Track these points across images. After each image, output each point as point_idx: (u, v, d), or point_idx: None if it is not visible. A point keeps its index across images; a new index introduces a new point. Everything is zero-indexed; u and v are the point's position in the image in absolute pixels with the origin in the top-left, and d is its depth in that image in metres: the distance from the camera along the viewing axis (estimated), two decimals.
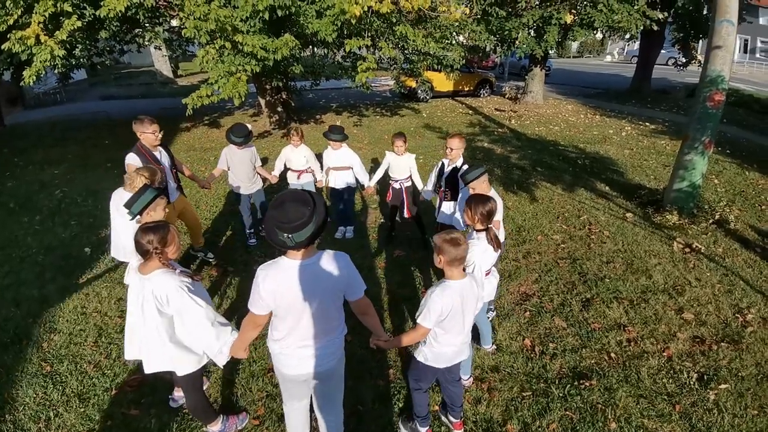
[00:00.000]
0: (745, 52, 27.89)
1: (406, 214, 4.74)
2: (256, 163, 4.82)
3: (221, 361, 2.31)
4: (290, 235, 1.81)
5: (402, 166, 4.63)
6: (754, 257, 4.64)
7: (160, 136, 3.86)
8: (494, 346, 3.39)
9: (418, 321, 2.24)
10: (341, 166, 4.81)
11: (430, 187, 4.33)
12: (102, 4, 5.97)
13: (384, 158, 4.77)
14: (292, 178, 5.05)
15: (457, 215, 3.86)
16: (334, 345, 2.13)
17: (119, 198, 3.04)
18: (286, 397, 2.36)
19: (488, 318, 3.51)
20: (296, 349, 2.06)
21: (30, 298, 3.99)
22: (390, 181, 4.77)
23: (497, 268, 3.28)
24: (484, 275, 2.72)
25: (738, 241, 4.96)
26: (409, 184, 4.70)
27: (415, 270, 4.48)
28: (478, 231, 2.69)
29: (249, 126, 4.62)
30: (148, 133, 3.76)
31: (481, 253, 2.65)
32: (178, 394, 2.81)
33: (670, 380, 3.04)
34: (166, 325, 2.24)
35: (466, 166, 3.84)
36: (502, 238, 3.30)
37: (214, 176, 4.76)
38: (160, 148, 3.96)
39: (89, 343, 3.42)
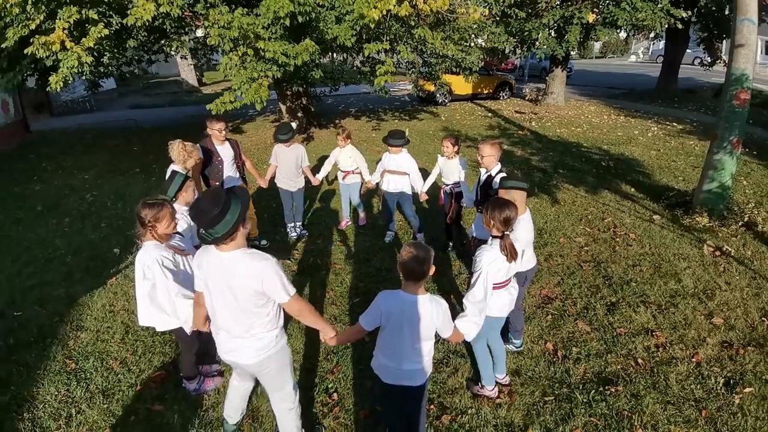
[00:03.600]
0: (767, 53, 26.83)
1: (447, 220, 4.62)
2: (303, 163, 5.05)
3: (188, 330, 2.66)
4: (206, 232, 1.94)
5: (452, 170, 4.44)
6: None
7: (224, 133, 4.55)
8: (495, 390, 2.92)
9: (359, 318, 2.21)
10: (397, 171, 4.70)
11: (472, 195, 4.10)
12: (129, 12, 6.19)
13: (435, 164, 4.67)
14: (339, 178, 5.26)
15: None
16: (262, 340, 2.14)
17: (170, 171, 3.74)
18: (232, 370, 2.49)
19: (506, 347, 3.15)
20: (224, 337, 2.19)
21: (56, 298, 4.12)
22: (442, 186, 4.65)
23: (524, 287, 3.06)
24: (490, 287, 2.49)
25: (766, 244, 4.75)
26: (460, 190, 4.42)
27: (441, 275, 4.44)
28: (493, 237, 2.54)
29: (293, 124, 4.95)
30: (214, 130, 4.47)
31: (489, 261, 2.46)
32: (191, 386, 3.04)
33: (698, 386, 2.92)
34: (149, 288, 2.55)
35: (503, 175, 3.51)
36: (530, 264, 3.03)
37: (270, 173, 5.09)
38: (227, 143, 4.60)
39: (116, 340, 3.52)
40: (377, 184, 5.03)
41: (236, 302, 2.04)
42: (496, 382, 2.96)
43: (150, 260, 2.51)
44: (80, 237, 5.48)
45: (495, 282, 2.56)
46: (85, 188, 7.39)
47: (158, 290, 2.57)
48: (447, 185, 4.55)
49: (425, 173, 4.88)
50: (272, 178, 5.13)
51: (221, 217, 1.93)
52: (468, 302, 2.46)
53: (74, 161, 9.12)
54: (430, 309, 2.11)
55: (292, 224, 5.29)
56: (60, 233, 5.61)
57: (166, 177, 3.60)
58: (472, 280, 2.50)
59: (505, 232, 2.49)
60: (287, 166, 4.96)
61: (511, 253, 2.47)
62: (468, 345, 3.23)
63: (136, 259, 2.58)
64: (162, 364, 3.26)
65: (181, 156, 3.76)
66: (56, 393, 3.00)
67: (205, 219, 1.93)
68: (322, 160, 5.76)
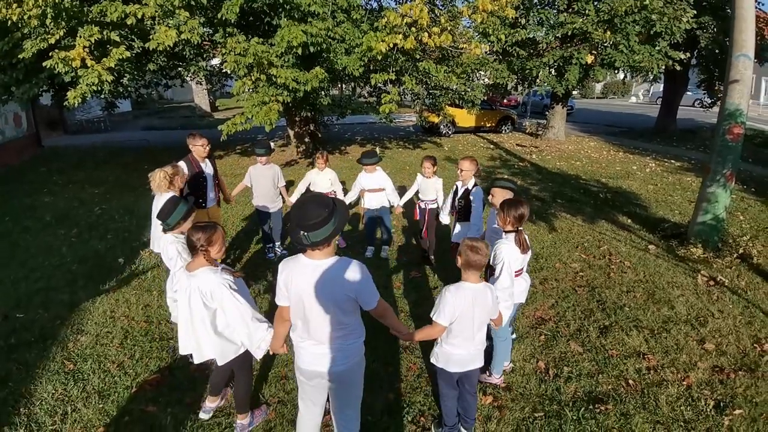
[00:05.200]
0: None
1: (423, 234, 4.93)
2: (279, 183, 5.11)
3: (258, 356, 2.49)
4: (306, 233, 1.92)
5: (429, 188, 4.88)
6: None
7: (208, 148, 4.44)
8: (501, 379, 3.21)
9: (433, 318, 2.34)
10: (375, 188, 5.02)
11: (447, 209, 4.50)
12: (151, 37, 6.56)
13: (415, 181, 5.03)
14: None
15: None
16: (348, 349, 2.15)
17: (157, 201, 3.54)
18: (300, 397, 2.38)
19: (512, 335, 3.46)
20: (310, 346, 2.14)
21: (60, 303, 4.21)
22: (417, 201, 5.05)
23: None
24: (513, 274, 2.81)
25: (760, 275, 4.82)
26: (434, 206, 4.89)
27: (432, 291, 4.52)
28: (507, 232, 2.86)
29: (272, 144, 5.03)
30: (198, 146, 4.37)
31: (509, 252, 2.79)
32: (210, 405, 2.86)
33: (688, 408, 2.93)
34: (211, 317, 2.43)
35: (478, 187, 4.07)
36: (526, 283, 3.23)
37: (238, 190, 5.14)
38: (207, 160, 4.50)
39: (115, 345, 3.58)
40: (357, 202, 5.22)
41: (331, 309, 2.03)
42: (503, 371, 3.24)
43: (213, 286, 2.35)
44: (86, 247, 5.61)
45: (514, 270, 2.88)
46: (95, 202, 7.59)
47: (220, 317, 2.44)
48: (423, 201, 4.93)
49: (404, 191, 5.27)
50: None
51: (326, 222, 1.93)
52: (498, 290, 2.69)
53: (85, 176, 9.39)
54: (490, 294, 2.37)
55: (270, 244, 5.28)
56: (67, 243, 5.75)
57: (155, 202, 3.48)
58: (497, 271, 2.76)
59: (519, 228, 2.83)
60: (263, 185, 4.98)
61: (523, 246, 2.84)
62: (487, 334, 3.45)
63: (189, 289, 2.39)
64: (158, 368, 3.31)
65: (164, 184, 3.48)
66: (53, 391, 3.05)
67: (310, 221, 1.91)
68: None
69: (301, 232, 1.92)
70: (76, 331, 3.77)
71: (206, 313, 2.40)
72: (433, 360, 2.54)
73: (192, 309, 2.41)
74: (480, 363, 2.52)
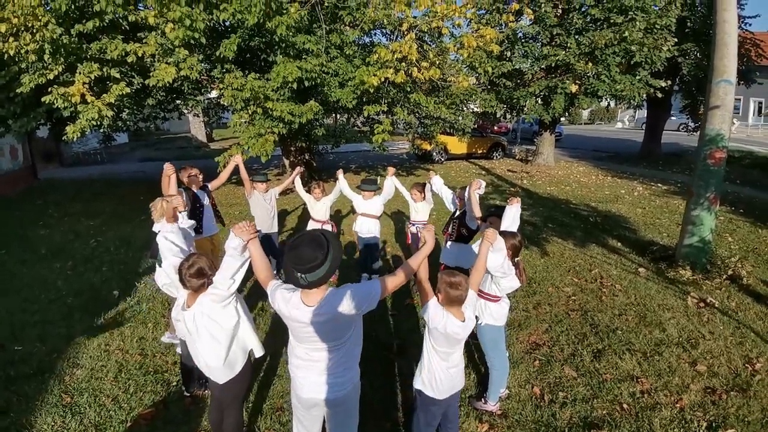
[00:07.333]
0: (760, 114, 27.93)
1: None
2: (276, 194, 5.42)
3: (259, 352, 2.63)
4: (304, 275, 1.94)
5: (418, 209, 5.22)
6: (766, 310, 4.59)
7: (200, 178, 4.58)
8: (497, 406, 3.22)
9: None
10: (369, 214, 5.21)
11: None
12: (150, 74, 6.78)
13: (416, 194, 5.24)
14: (312, 228, 5.42)
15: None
16: (349, 370, 2.17)
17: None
18: (296, 426, 2.39)
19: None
20: (312, 375, 2.15)
21: (56, 336, 4.22)
22: (408, 224, 5.26)
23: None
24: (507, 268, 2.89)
25: (750, 296, 4.92)
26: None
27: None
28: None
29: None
30: (192, 176, 4.52)
31: (512, 274, 2.88)
32: None
33: (681, 430, 2.97)
34: (230, 333, 2.45)
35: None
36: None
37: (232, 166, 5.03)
38: (203, 190, 4.69)
39: (109, 378, 3.57)
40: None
41: (333, 338, 2.06)
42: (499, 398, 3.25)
43: (219, 307, 2.40)
44: (81, 279, 5.61)
45: (496, 295, 3.01)
46: (90, 234, 7.60)
47: (240, 324, 2.51)
48: (414, 224, 5.20)
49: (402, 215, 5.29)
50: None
51: (323, 263, 1.93)
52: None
53: (81, 208, 9.42)
54: (472, 325, 2.39)
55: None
56: (63, 276, 5.75)
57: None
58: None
59: (516, 258, 2.93)
60: (261, 210, 5.20)
61: (523, 277, 3.02)
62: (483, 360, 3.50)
63: (194, 317, 2.42)
64: (153, 402, 3.30)
65: (170, 211, 3.40)
66: (53, 423, 3.06)
67: (307, 265, 1.92)
68: None
69: (300, 275, 1.95)
70: (72, 365, 3.76)
71: (224, 334, 2.42)
72: (419, 385, 2.48)
73: (200, 334, 2.42)
74: (462, 383, 2.54)
